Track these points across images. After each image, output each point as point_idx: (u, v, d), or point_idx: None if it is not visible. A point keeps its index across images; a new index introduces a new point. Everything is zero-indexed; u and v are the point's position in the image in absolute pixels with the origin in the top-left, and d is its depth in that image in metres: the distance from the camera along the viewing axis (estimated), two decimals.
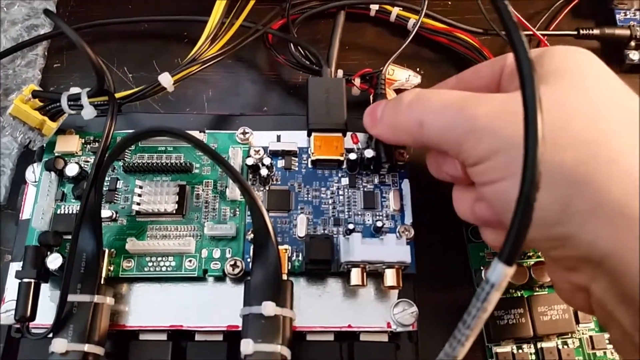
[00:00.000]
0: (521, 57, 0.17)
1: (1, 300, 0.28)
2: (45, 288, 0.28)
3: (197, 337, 0.28)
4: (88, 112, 0.28)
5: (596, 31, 0.37)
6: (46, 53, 0.37)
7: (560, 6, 0.39)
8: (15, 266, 0.28)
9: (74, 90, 0.29)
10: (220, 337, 0.27)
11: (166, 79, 0.28)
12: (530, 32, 0.36)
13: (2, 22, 0.37)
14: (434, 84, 0.36)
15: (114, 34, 0.38)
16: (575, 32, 0.37)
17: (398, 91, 0.35)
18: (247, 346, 0.24)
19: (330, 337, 0.27)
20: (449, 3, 0.40)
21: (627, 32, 0.37)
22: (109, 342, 0.27)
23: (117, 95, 0.29)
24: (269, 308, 0.25)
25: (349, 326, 0.27)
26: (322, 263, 0.27)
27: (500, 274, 0.16)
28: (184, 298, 0.28)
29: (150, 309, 0.27)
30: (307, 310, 0.27)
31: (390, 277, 0.27)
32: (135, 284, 0.28)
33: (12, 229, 0.31)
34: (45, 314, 0.27)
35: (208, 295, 0.28)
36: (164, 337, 0.27)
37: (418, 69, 0.36)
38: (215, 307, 0.27)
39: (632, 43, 0.37)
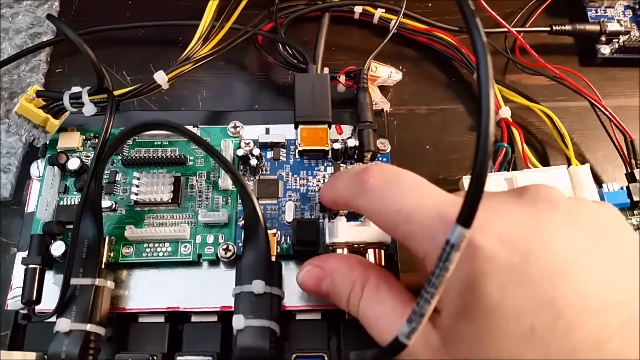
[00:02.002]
0: (476, 39, 0.19)
1: (8, 288, 0.29)
2: (49, 277, 0.29)
3: (193, 319, 0.29)
4: (89, 109, 0.30)
5: (568, 27, 0.39)
6: (49, 59, 0.39)
7: (534, 5, 0.41)
8: (21, 256, 0.30)
9: (75, 89, 0.31)
10: (214, 318, 0.29)
11: (161, 77, 0.30)
12: (506, 30, 0.38)
13: (8, 31, 0.39)
14: (416, 80, 0.39)
15: (112, 40, 0.40)
16: (549, 28, 0.39)
17: (381, 87, 0.37)
18: (238, 321, 0.26)
19: (318, 316, 0.29)
20: (429, 5, 0.42)
21: (597, 27, 0.39)
22: (110, 327, 0.28)
23: (116, 92, 0.31)
24: (259, 286, 0.27)
25: (336, 305, 0.29)
26: (309, 244, 0.29)
27: (458, 235, 0.18)
28: (180, 281, 0.29)
29: (148, 292, 0.29)
30: (296, 291, 0.29)
31: (372, 257, 0.28)
32: (134, 270, 0.30)
33: (17, 224, 0.33)
34: (49, 300, 0.28)
35: (202, 278, 0.29)
36: (161, 319, 0.29)
37: (400, 67, 0.38)
38: (209, 290, 0.29)
39: (603, 38, 0.39)
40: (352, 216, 0.30)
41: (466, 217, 0.18)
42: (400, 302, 0.23)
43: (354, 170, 0.25)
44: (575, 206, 0.21)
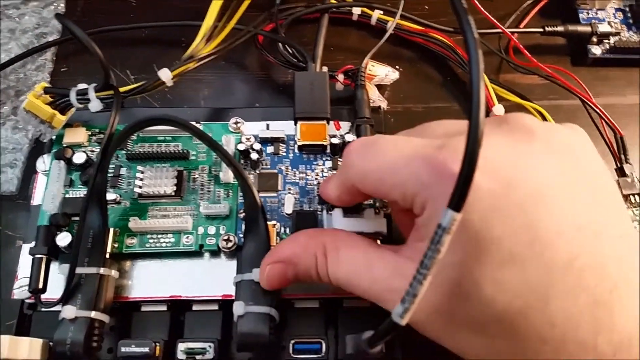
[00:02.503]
0: (468, 37, 0.19)
1: (14, 278, 0.30)
2: (54, 268, 0.30)
3: (194, 307, 0.30)
4: (95, 105, 0.31)
5: (560, 28, 0.40)
6: (54, 58, 0.40)
7: (528, 7, 0.42)
8: (26, 247, 0.30)
9: (82, 86, 0.32)
10: (215, 307, 0.30)
11: (166, 74, 0.32)
12: (499, 30, 0.39)
13: (14, 31, 0.40)
14: (412, 79, 0.40)
15: (116, 40, 0.41)
16: (542, 30, 0.40)
17: (379, 86, 0.38)
18: (239, 308, 0.27)
19: (316, 304, 0.30)
20: (426, 7, 0.43)
21: (588, 28, 0.40)
22: (113, 317, 0.29)
23: (121, 89, 0.32)
24: (259, 274, 0.27)
25: (333, 293, 0.30)
26: None
27: (450, 219, 0.19)
28: (182, 271, 0.30)
29: (151, 282, 0.30)
30: None
31: None
32: (138, 260, 0.30)
33: (22, 218, 0.34)
34: (55, 290, 0.29)
35: (204, 268, 0.30)
36: (163, 307, 0.30)
37: (397, 67, 0.39)
38: (210, 279, 0.30)
39: (594, 39, 0.40)
40: (349, 209, 0.31)
41: (457, 202, 0.18)
42: (363, 252, 0.24)
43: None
44: (549, 133, 0.22)
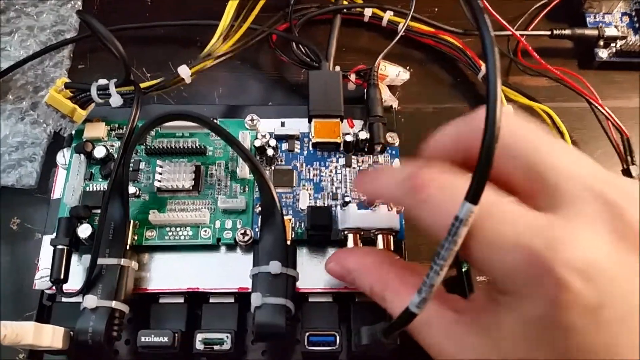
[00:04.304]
0: (485, 36, 0.20)
1: (35, 270, 0.31)
2: (74, 260, 0.31)
3: (211, 300, 0.31)
4: (115, 100, 0.32)
5: (568, 31, 0.41)
6: (72, 55, 0.41)
7: (536, 11, 0.43)
8: (47, 239, 0.31)
9: (102, 81, 0.32)
10: (231, 299, 0.30)
11: (185, 71, 0.32)
12: (508, 33, 0.40)
13: (32, 28, 0.41)
14: (422, 80, 0.41)
15: (133, 38, 0.42)
16: (549, 33, 0.41)
17: (390, 87, 0.39)
18: (257, 299, 0.28)
19: (329, 299, 0.31)
20: (436, 9, 0.44)
21: (595, 32, 0.40)
22: (133, 308, 0.30)
23: (141, 85, 0.32)
24: (275, 266, 0.28)
25: (346, 288, 0.30)
26: (322, 228, 0.30)
27: (467, 211, 0.19)
28: (199, 264, 0.31)
29: (169, 274, 0.31)
30: (309, 275, 0.30)
31: (381, 242, 0.30)
32: (156, 253, 0.31)
33: (41, 212, 0.34)
34: (75, 282, 0.30)
35: (221, 261, 0.31)
36: (181, 300, 0.30)
37: (408, 67, 0.40)
38: (227, 272, 0.31)
39: (601, 42, 0.41)
40: (363, 204, 0.32)
41: (474, 194, 0.19)
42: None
43: (400, 174, 0.23)
44: None
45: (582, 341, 0.19)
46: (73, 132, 0.34)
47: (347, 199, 0.32)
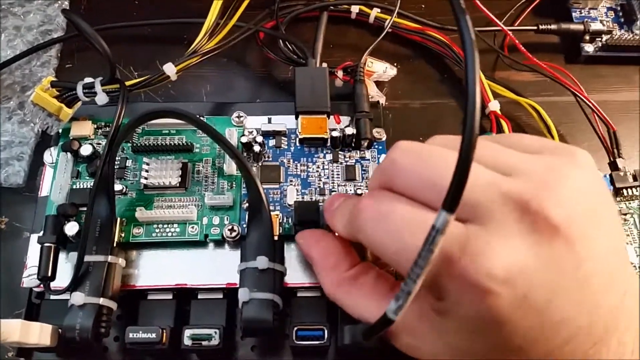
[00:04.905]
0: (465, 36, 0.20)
1: (23, 268, 0.31)
2: (62, 257, 0.31)
3: (200, 296, 0.31)
4: (101, 98, 0.32)
5: (554, 26, 0.41)
6: (59, 54, 0.41)
7: (522, 6, 0.44)
8: (35, 237, 0.31)
9: (88, 79, 0.32)
10: (220, 295, 0.31)
11: (170, 68, 0.32)
12: (495, 28, 0.40)
13: (20, 28, 0.41)
14: (410, 76, 0.41)
15: (120, 37, 0.42)
16: (536, 28, 0.41)
17: (377, 83, 0.39)
18: (244, 294, 0.28)
19: (318, 293, 0.31)
20: (423, 6, 0.44)
21: (581, 27, 0.41)
22: (121, 305, 0.30)
23: (126, 83, 0.32)
24: (263, 262, 0.28)
25: None
26: (310, 223, 0.30)
27: (443, 220, 0.19)
28: (187, 260, 0.31)
29: (157, 270, 0.31)
30: (297, 270, 0.30)
31: None
32: (144, 250, 0.31)
33: (29, 210, 0.34)
34: (63, 279, 0.30)
35: (209, 257, 0.31)
36: (169, 296, 0.31)
37: (395, 64, 0.40)
38: (215, 268, 0.30)
39: (587, 37, 0.41)
40: None
41: (450, 203, 0.19)
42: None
43: (350, 203, 0.27)
44: (572, 230, 0.21)
45: (512, 329, 0.21)
46: (60, 130, 0.34)
47: (334, 194, 0.32)
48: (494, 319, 0.21)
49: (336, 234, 0.29)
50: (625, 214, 0.35)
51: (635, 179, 0.35)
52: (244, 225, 0.31)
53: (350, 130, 0.33)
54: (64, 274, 0.30)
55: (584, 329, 0.21)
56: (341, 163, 0.33)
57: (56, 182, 0.32)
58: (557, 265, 0.21)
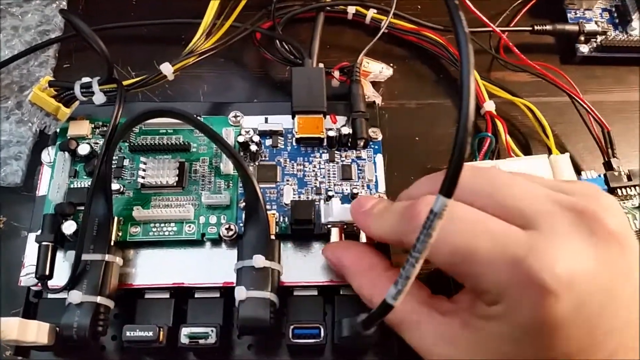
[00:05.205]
0: (459, 31, 0.20)
1: (20, 267, 0.31)
2: (59, 256, 0.31)
3: (197, 295, 0.31)
4: (99, 98, 0.32)
5: (549, 27, 0.41)
6: (57, 55, 0.41)
7: (517, 7, 0.44)
8: (33, 236, 0.31)
9: (86, 79, 0.32)
10: (217, 294, 0.31)
11: (167, 68, 0.33)
12: (490, 29, 0.40)
13: (17, 28, 0.41)
14: (406, 77, 0.41)
15: (118, 38, 0.42)
16: (530, 28, 0.41)
17: (373, 83, 0.39)
18: (240, 293, 0.28)
19: (314, 292, 0.31)
20: (419, 7, 0.44)
21: (576, 28, 0.41)
22: (118, 304, 0.30)
23: (124, 82, 0.32)
24: (259, 260, 0.29)
25: (331, 281, 0.31)
26: (306, 223, 0.31)
27: (441, 205, 0.19)
28: (184, 259, 0.31)
29: (154, 269, 0.31)
30: (294, 268, 0.31)
31: (364, 236, 0.30)
32: (141, 249, 0.31)
33: (26, 210, 0.34)
34: (61, 278, 0.30)
35: (206, 256, 0.31)
36: (166, 295, 0.31)
37: (391, 64, 0.40)
38: (212, 267, 0.31)
39: (582, 37, 0.41)
40: (346, 199, 0.32)
41: (448, 188, 0.19)
42: (411, 308, 0.26)
43: (399, 207, 0.26)
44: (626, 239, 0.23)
45: (565, 335, 0.21)
46: (57, 130, 0.34)
47: (330, 194, 0.32)
48: (550, 322, 0.21)
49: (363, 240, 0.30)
50: None
51: (629, 178, 0.35)
52: (241, 225, 0.31)
53: (347, 130, 0.33)
54: (62, 272, 0.30)
55: (627, 343, 0.22)
56: (337, 163, 0.34)
57: (54, 181, 0.32)
58: (611, 270, 0.22)
